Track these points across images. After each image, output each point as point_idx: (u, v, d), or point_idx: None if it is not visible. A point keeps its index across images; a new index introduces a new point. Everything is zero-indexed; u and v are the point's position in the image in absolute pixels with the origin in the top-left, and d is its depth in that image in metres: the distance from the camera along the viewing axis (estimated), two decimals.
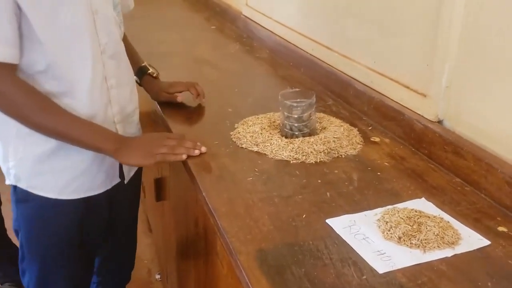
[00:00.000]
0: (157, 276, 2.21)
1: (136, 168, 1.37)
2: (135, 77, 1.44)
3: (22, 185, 1.18)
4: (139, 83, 1.49)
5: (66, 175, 1.18)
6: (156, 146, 1.13)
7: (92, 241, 1.33)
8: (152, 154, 1.12)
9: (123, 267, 1.59)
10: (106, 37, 1.17)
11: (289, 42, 1.94)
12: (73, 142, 1.12)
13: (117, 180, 1.28)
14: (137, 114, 1.36)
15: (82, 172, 1.19)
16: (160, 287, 2.16)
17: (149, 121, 1.89)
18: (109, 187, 1.26)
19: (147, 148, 1.12)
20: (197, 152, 1.17)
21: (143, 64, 1.49)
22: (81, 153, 1.16)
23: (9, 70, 1.06)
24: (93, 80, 1.15)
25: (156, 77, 1.50)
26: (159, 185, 1.81)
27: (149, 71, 1.48)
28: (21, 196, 1.19)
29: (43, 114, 1.08)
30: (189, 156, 1.17)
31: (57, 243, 1.24)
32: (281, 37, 2.01)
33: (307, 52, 1.80)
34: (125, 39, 1.44)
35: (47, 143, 1.14)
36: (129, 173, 1.33)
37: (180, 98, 1.46)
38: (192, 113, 1.47)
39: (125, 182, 1.31)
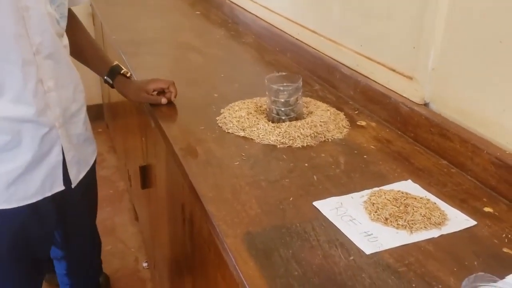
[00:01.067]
0: (144, 264, 2.20)
1: (85, 171, 1.30)
2: (106, 78, 1.39)
3: None
4: (111, 84, 1.41)
5: None
6: None
7: (39, 247, 1.27)
8: None
9: (91, 267, 1.57)
10: (39, 36, 1.05)
11: (275, 26, 1.93)
12: None
13: (60, 187, 1.20)
14: (84, 112, 1.28)
15: (15, 180, 1.10)
16: (148, 275, 2.15)
17: (134, 109, 1.87)
18: (47, 194, 1.18)
19: None
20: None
21: (114, 64, 1.40)
22: (13, 161, 1.09)
23: None
24: (23, 86, 1.05)
25: (129, 77, 1.41)
26: (145, 173, 1.79)
27: (122, 71, 1.40)
28: None
29: None
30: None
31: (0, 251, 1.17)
32: (267, 22, 1.99)
33: (293, 37, 1.79)
34: (88, 39, 1.40)
35: None
36: (77, 176, 1.26)
37: (164, 100, 1.37)
38: (177, 99, 1.45)
39: (73, 186, 1.25)
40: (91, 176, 1.37)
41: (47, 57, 1.09)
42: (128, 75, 1.42)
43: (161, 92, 1.39)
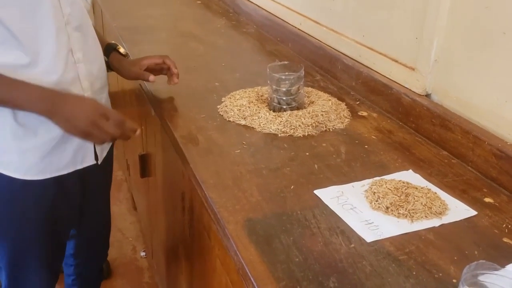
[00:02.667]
0: (142, 254, 2.20)
1: (108, 148, 1.32)
2: (103, 56, 1.34)
3: None
4: (107, 62, 1.35)
5: (33, 155, 1.12)
6: (95, 128, 1.03)
7: (65, 223, 1.29)
8: (87, 133, 1.04)
9: (99, 248, 1.57)
10: (69, 7, 1.09)
11: (277, 16, 1.92)
12: (6, 105, 1.05)
13: (91, 161, 1.22)
14: (107, 91, 1.29)
15: (49, 152, 1.13)
16: (145, 264, 2.15)
17: (133, 98, 1.86)
18: (79, 167, 1.20)
19: (83, 124, 1.03)
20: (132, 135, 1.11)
21: (111, 42, 1.38)
22: (49, 132, 1.10)
23: None
24: (56, 54, 1.07)
25: (125, 55, 1.38)
26: (144, 161, 1.79)
27: (117, 47, 1.37)
28: None
29: None
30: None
31: (26, 224, 1.19)
32: (268, 12, 1.98)
33: (294, 27, 1.78)
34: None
35: (15, 120, 1.08)
36: (101, 153, 1.27)
37: (152, 77, 1.32)
38: (178, 87, 1.45)
39: (99, 163, 1.26)
40: (110, 155, 1.39)
41: (75, 28, 1.12)
42: (123, 52, 1.37)
43: (157, 70, 1.35)
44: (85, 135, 1.04)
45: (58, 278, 1.38)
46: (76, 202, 1.29)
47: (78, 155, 1.19)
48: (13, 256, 1.24)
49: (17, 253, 1.24)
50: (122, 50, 1.37)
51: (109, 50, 1.36)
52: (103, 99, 1.27)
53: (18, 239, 1.22)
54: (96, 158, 1.24)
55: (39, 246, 1.25)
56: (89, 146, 1.20)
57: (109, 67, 1.37)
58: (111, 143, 1.33)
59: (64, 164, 1.17)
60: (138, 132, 1.12)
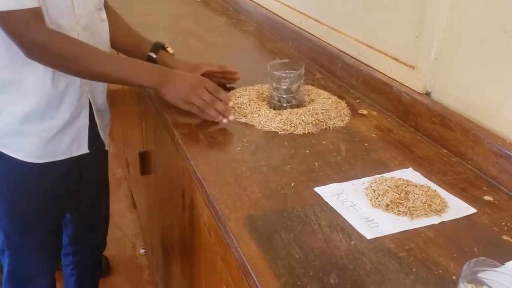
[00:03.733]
0: (142, 251, 2.20)
1: (106, 137, 1.38)
2: (151, 53, 1.37)
3: None
4: (154, 59, 1.38)
5: (37, 140, 1.19)
6: (193, 93, 1.16)
7: (62, 205, 1.34)
8: (188, 101, 1.16)
9: (95, 236, 1.59)
10: (80, 8, 1.16)
11: (277, 14, 1.92)
12: (118, 81, 1.18)
13: (84, 150, 1.28)
14: (106, 85, 1.35)
15: (50, 138, 1.20)
16: (145, 261, 2.15)
17: (133, 95, 1.86)
18: (74, 154, 1.26)
19: (186, 91, 1.16)
20: (224, 120, 1.17)
21: (159, 41, 1.41)
22: (53, 119, 1.18)
23: (39, 17, 1.07)
24: None
25: (173, 54, 1.42)
26: (144, 159, 1.79)
27: (165, 46, 1.40)
28: None
29: (87, 60, 1.11)
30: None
31: (28, 205, 1.26)
32: (268, 10, 1.99)
33: (294, 25, 1.78)
34: (122, 21, 1.43)
35: (23, 105, 1.15)
36: (106, 139, 1.35)
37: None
38: None
39: (106, 148, 1.35)
40: (105, 150, 1.43)
41: (84, 28, 1.18)
42: (171, 52, 1.41)
43: (211, 77, 1.35)
44: (187, 103, 1.17)
45: (58, 264, 1.40)
46: (73, 188, 1.34)
47: (74, 143, 1.25)
48: (15, 235, 1.30)
49: (19, 232, 1.30)
50: (170, 50, 1.41)
51: (157, 48, 1.39)
52: (102, 92, 1.32)
53: (20, 218, 1.28)
54: (92, 147, 1.29)
55: (39, 225, 1.30)
56: (84, 135, 1.27)
57: (155, 61, 1.38)
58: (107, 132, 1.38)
59: (62, 151, 1.23)
60: (231, 104, 1.20)
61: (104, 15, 1.28)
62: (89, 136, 1.28)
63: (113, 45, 1.36)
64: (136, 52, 1.38)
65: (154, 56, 1.38)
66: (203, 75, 1.34)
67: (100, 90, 1.30)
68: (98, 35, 1.24)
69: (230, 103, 1.20)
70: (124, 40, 1.40)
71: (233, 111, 1.24)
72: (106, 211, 1.60)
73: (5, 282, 1.37)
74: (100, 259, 1.69)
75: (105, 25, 1.28)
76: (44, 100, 1.16)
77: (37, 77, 1.13)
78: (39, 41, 1.07)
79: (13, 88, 1.14)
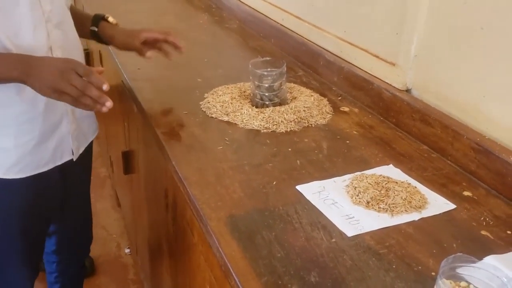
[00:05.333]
0: (127, 250, 2.19)
1: (86, 144, 1.32)
2: (93, 28, 1.29)
3: None
4: (96, 34, 1.30)
5: (14, 155, 1.12)
6: (62, 81, 0.97)
7: (45, 219, 1.29)
8: (58, 89, 0.98)
9: (81, 243, 1.57)
10: (50, 4, 1.08)
11: (259, 12, 1.92)
12: None
13: (69, 156, 1.23)
14: None
15: (30, 151, 1.13)
16: (130, 261, 2.14)
17: (116, 95, 1.84)
18: (58, 163, 1.20)
19: (54, 78, 0.98)
20: (103, 109, 1.01)
21: (98, 13, 1.31)
22: (29, 132, 1.11)
23: None
24: (37, 50, 1.06)
25: (116, 24, 1.31)
26: (127, 158, 1.78)
27: (105, 16, 1.30)
28: None
29: None
30: None
31: (7, 221, 1.19)
32: (251, 7, 1.98)
33: (277, 23, 1.78)
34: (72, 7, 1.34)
35: None
36: (78, 150, 1.27)
37: (150, 54, 1.25)
38: (161, 83, 1.44)
39: (74, 159, 1.25)
40: (89, 152, 1.39)
41: (56, 26, 1.10)
42: (113, 21, 1.31)
43: (154, 46, 1.28)
44: (57, 92, 0.98)
45: (38, 274, 1.37)
46: (57, 198, 1.29)
47: (57, 151, 1.19)
48: None
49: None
50: (111, 19, 1.30)
51: (97, 20, 1.29)
52: None
53: (1, 235, 1.22)
54: (72, 154, 1.24)
55: (20, 243, 1.25)
56: (67, 142, 1.21)
57: (98, 38, 1.31)
58: (85, 144, 1.31)
59: (44, 162, 1.17)
60: (106, 87, 0.99)
61: (70, 16, 1.20)
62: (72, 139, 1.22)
63: None
64: (83, 31, 1.30)
65: (96, 29, 1.28)
66: (144, 43, 1.25)
67: None
68: (71, 33, 1.17)
69: (105, 86, 0.99)
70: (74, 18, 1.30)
71: (215, 109, 1.24)
72: (90, 217, 1.57)
73: None
74: (84, 263, 1.67)
75: (74, 26, 1.20)
76: (17, 112, 1.09)
77: (4, 91, 1.06)
78: None
79: None
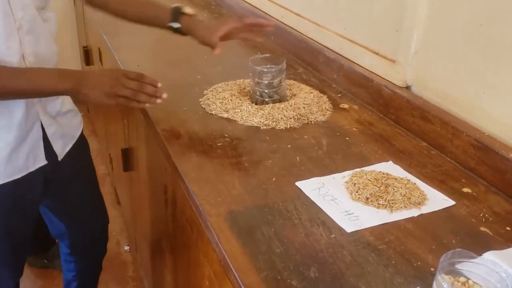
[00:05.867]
0: (126, 248, 2.19)
1: (72, 143, 1.30)
2: (175, 24, 1.24)
3: None
4: (178, 29, 1.25)
5: None
6: (117, 85, 1.04)
7: (27, 222, 1.28)
8: (113, 95, 1.04)
9: (96, 243, 1.56)
10: (21, 11, 1.05)
11: (259, 9, 1.92)
12: (32, 93, 1.07)
13: (42, 162, 1.20)
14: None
15: (4, 158, 1.12)
16: (130, 258, 2.14)
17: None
18: (31, 169, 1.19)
19: (108, 86, 1.04)
20: (158, 101, 1.08)
21: (175, 5, 1.26)
22: (2, 140, 1.11)
23: None
24: (9, 58, 1.05)
25: (194, 15, 1.27)
26: (127, 156, 1.78)
27: (182, 10, 1.25)
28: None
29: None
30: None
31: None
32: (251, 4, 1.98)
33: (277, 20, 1.78)
34: None
35: None
36: (63, 149, 1.26)
37: (218, 51, 1.20)
38: (160, 80, 1.43)
39: (59, 159, 1.25)
40: (82, 149, 1.36)
41: (27, 32, 1.08)
42: (190, 12, 1.26)
43: (234, 34, 1.24)
44: (112, 97, 1.04)
45: (22, 274, 1.36)
46: (38, 200, 1.28)
47: (30, 158, 1.18)
48: None
49: None
50: (188, 10, 1.26)
51: (176, 14, 1.25)
52: (58, 98, 1.23)
53: None
54: (54, 155, 1.22)
55: (1, 244, 1.23)
56: (39, 147, 1.19)
57: (175, 31, 1.27)
58: (73, 140, 1.30)
59: (18, 169, 1.16)
60: (160, 85, 1.09)
61: (47, 13, 1.17)
62: (47, 147, 1.20)
63: (132, 19, 1.29)
64: (156, 23, 1.28)
65: (179, 26, 1.24)
66: (224, 37, 1.22)
67: (53, 97, 1.20)
68: (43, 38, 1.14)
69: (159, 84, 1.09)
70: (140, 12, 1.29)
71: (215, 106, 1.24)
72: (104, 218, 1.56)
73: None
74: (101, 263, 1.66)
75: (48, 25, 1.17)
76: None
77: None
78: None
79: None
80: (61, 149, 1.25)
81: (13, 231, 1.24)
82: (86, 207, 1.45)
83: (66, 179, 1.32)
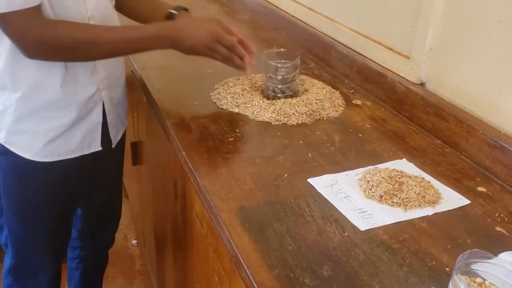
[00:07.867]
0: (134, 242, 2.19)
1: (122, 132, 1.33)
2: (171, 10, 1.26)
3: (2, 137, 1.14)
4: (173, 16, 1.26)
5: (42, 138, 1.14)
6: (213, 41, 1.10)
7: (71, 203, 1.31)
8: (212, 48, 1.11)
9: (106, 231, 1.57)
10: (94, 2, 1.09)
11: (270, 3, 1.90)
12: (131, 48, 1.13)
13: (97, 147, 1.23)
14: (124, 77, 1.30)
15: (58, 137, 1.15)
16: (137, 252, 2.15)
17: (125, 84, 1.83)
18: (86, 152, 1.21)
19: (206, 37, 1.10)
20: (248, 71, 1.15)
21: (168, 11, 1.28)
22: (61, 118, 1.13)
23: (39, 14, 1.01)
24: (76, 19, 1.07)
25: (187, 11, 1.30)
26: (136, 149, 1.77)
27: (188, 10, 1.29)
28: (1, 148, 1.16)
29: (90, 45, 1.05)
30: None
31: (34, 202, 1.22)
32: None
33: (289, 14, 1.76)
34: None
35: (30, 103, 1.10)
36: (116, 137, 1.29)
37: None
38: (171, 74, 1.43)
39: (113, 146, 1.27)
40: (124, 137, 1.39)
41: (99, 22, 1.11)
42: (188, 11, 1.30)
43: None
44: (211, 50, 1.11)
45: (63, 260, 1.38)
46: (84, 182, 1.30)
47: (85, 141, 1.20)
48: (19, 231, 1.27)
49: (24, 228, 1.26)
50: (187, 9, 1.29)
51: (178, 8, 1.28)
52: (121, 85, 1.27)
53: (25, 217, 1.24)
54: (105, 144, 1.24)
55: (46, 222, 1.27)
56: (97, 132, 1.21)
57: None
58: (123, 129, 1.33)
59: (72, 149, 1.18)
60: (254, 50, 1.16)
61: (113, 8, 1.21)
62: (103, 133, 1.23)
63: (128, 14, 1.32)
64: (153, 15, 1.29)
65: (175, 12, 1.26)
66: None
67: (118, 83, 1.25)
68: (112, 24, 1.17)
69: (253, 50, 1.17)
70: (139, 7, 1.32)
71: (225, 100, 1.23)
72: (118, 208, 1.57)
73: (6, 274, 1.34)
74: (107, 255, 1.67)
75: (115, 12, 1.22)
76: (51, 98, 1.11)
77: (43, 76, 1.08)
78: (40, 38, 1.01)
79: (19, 86, 1.09)
80: (115, 136, 1.28)
81: (57, 211, 1.27)
82: (110, 193, 1.46)
83: (107, 166, 1.33)
